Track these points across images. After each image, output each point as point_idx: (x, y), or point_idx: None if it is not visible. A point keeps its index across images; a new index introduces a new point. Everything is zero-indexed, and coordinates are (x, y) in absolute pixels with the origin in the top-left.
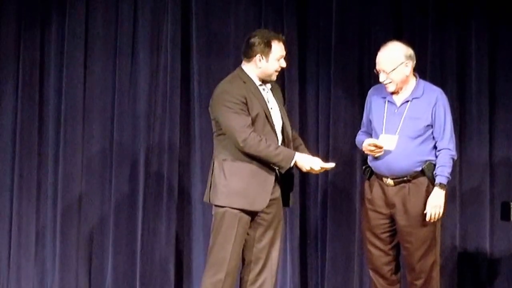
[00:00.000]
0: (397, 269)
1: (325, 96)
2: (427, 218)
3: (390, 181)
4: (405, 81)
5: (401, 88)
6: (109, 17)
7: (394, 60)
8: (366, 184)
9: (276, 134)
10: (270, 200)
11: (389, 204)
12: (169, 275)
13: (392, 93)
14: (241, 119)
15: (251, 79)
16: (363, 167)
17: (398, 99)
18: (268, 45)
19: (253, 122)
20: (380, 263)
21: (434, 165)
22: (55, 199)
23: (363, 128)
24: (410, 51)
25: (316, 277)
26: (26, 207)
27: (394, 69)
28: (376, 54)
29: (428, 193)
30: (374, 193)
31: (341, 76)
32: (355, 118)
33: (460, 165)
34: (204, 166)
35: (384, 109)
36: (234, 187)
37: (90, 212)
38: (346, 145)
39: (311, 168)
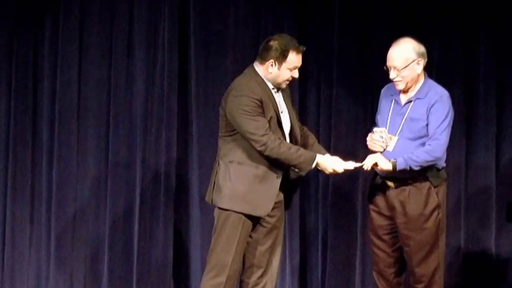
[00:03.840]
0: (400, 272)
1: (326, 95)
2: (365, 166)
3: (391, 183)
4: (415, 80)
5: (410, 87)
6: (105, 16)
7: (407, 57)
8: (370, 184)
9: (285, 138)
10: (274, 203)
11: (390, 206)
12: (166, 277)
13: (401, 91)
14: (260, 122)
15: (264, 82)
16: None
17: (403, 98)
18: (284, 55)
19: None
20: (383, 264)
21: (437, 169)
22: (49, 201)
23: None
24: (422, 49)
25: (317, 280)
26: (20, 209)
27: (406, 67)
28: (378, 53)
29: (428, 197)
30: (376, 194)
31: (342, 75)
32: (357, 117)
33: (466, 166)
34: (202, 167)
35: (390, 108)
36: (238, 191)
37: (85, 214)
38: (348, 145)
39: (333, 170)
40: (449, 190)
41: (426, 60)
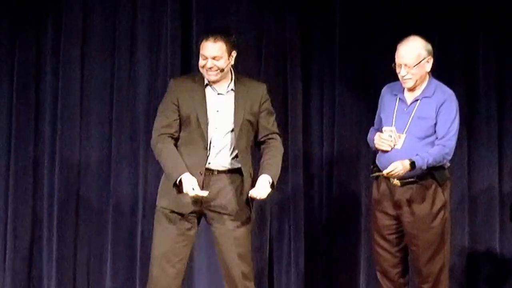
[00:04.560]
0: (404, 272)
1: (329, 96)
2: (384, 172)
3: (397, 182)
4: (423, 78)
5: (418, 85)
6: (107, 15)
7: (418, 55)
8: (374, 184)
9: (205, 140)
10: (209, 201)
11: (396, 205)
12: None
13: (408, 90)
14: (161, 119)
15: (202, 78)
16: (371, 167)
17: (409, 97)
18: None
19: (183, 123)
20: (387, 265)
21: (444, 168)
22: (51, 201)
23: (375, 126)
24: (430, 47)
25: (322, 279)
26: (21, 209)
27: (417, 64)
28: (380, 52)
29: (435, 196)
30: (381, 193)
31: (345, 75)
32: (360, 117)
33: (468, 166)
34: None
35: (395, 107)
36: (163, 186)
37: (88, 215)
38: (351, 145)
39: (186, 191)
40: (452, 190)
41: (433, 59)
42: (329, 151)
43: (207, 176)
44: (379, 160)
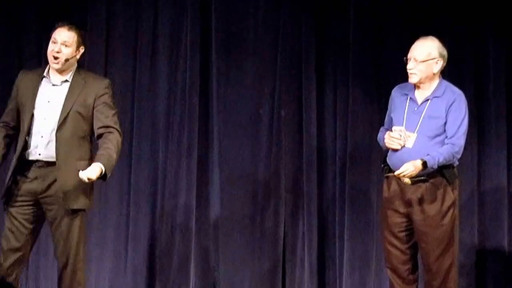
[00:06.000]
0: (414, 269)
1: (343, 96)
2: (396, 172)
3: (407, 180)
4: (430, 78)
5: (423, 83)
6: (129, 17)
7: (429, 52)
8: (385, 183)
9: (29, 128)
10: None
11: (406, 203)
12: (188, 270)
13: (414, 87)
14: (7, 107)
15: (44, 69)
16: (382, 165)
17: (419, 97)
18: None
19: (20, 113)
20: (397, 262)
21: (453, 166)
22: None
23: (385, 126)
24: (445, 52)
25: (334, 276)
26: None
27: (424, 61)
28: (392, 55)
29: (445, 194)
30: (391, 191)
31: (358, 75)
32: (373, 117)
33: (478, 165)
34: (222, 165)
35: (405, 107)
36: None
37: (108, 212)
38: (364, 144)
39: None
40: (461, 189)
41: (444, 64)
42: (342, 150)
43: (41, 167)
44: (390, 159)
